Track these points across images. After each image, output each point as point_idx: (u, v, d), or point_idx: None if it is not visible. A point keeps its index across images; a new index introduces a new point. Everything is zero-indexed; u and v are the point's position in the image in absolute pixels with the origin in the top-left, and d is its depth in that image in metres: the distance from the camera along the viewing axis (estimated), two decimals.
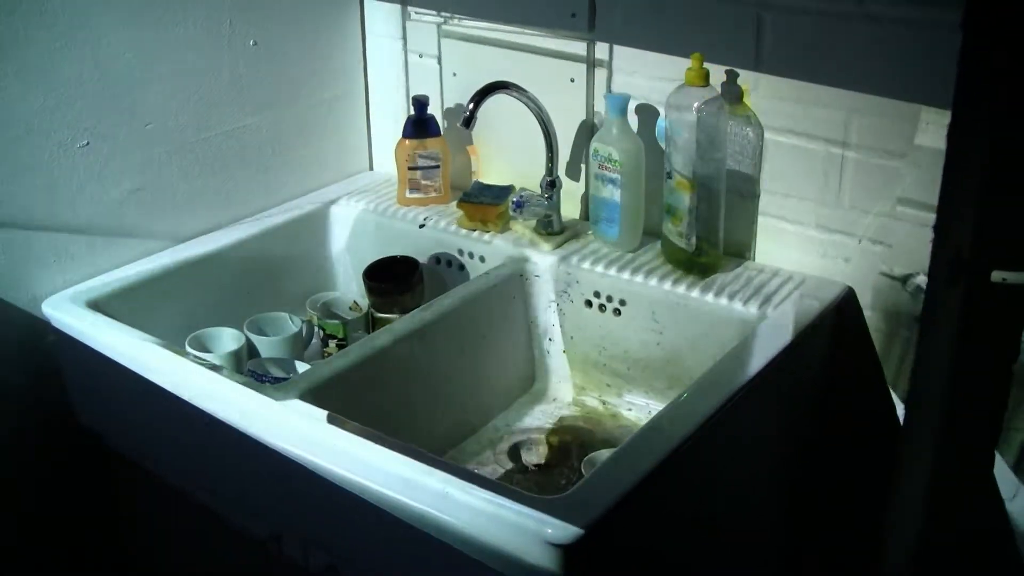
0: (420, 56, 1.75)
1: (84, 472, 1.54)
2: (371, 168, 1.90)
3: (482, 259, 1.60)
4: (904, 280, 1.34)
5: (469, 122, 1.49)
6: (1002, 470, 1.25)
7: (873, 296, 1.38)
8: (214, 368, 1.29)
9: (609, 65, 1.53)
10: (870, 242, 1.37)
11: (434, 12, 1.70)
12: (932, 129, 1.26)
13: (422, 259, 1.63)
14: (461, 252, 1.63)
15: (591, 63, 1.55)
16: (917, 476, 0.91)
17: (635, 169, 1.49)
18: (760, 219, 1.47)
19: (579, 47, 1.55)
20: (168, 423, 1.36)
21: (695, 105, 1.38)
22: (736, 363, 1.24)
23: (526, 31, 1.59)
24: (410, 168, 1.71)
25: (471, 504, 1.03)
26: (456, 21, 1.67)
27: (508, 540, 1.01)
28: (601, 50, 1.53)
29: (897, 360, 1.38)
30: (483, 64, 1.64)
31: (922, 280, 1.33)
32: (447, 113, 1.75)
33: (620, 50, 1.51)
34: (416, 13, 1.72)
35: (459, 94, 1.72)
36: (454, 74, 1.70)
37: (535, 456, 1.44)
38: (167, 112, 1.53)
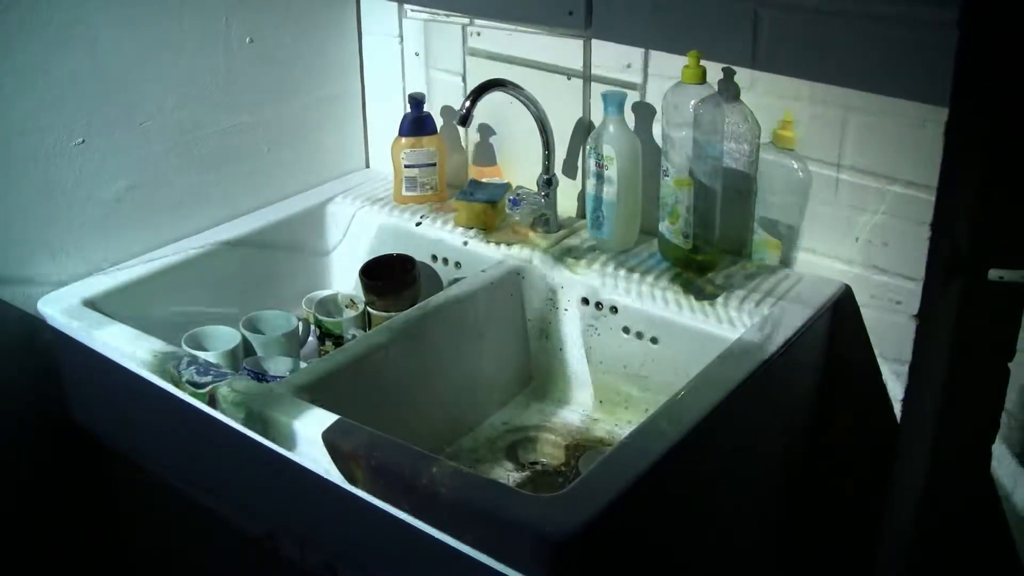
0: (416, 54, 1.74)
1: (80, 470, 1.54)
2: (367, 166, 1.90)
3: (478, 257, 1.60)
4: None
5: (466, 120, 1.49)
6: (1001, 465, 1.25)
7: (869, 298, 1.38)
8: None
9: (588, 64, 1.53)
10: (867, 241, 1.37)
11: (430, 10, 1.69)
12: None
13: (418, 257, 1.62)
14: (457, 250, 1.63)
15: (588, 61, 1.55)
16: (915, 472, 0.91)
17: (632, 167, 1.49)
18: (757, 216, 1.46)
19: (576, 45, 1.55)
20: (164, 421, 1.35)
21: (692, 103, 1.38)
22: (733, 361, 1.24)
23: (521, 28, 1.59)
24: (406, 166, 1.70)
25: (468, 502, 1.03)
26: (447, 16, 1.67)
27: (504, 538, 1.01)
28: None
29: (895, 358, 1.38)
30: (481, 65, 1.64)
31: None
32: (444, 111, 1.75)
33: (618, 48, 1.51)
34: (412, 11, 1.72)
35: (456, 92, 1.72)
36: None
37: (532, 454, 1.44)
38: (163, 110, 1.53)
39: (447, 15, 1.67)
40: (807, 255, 1.43)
